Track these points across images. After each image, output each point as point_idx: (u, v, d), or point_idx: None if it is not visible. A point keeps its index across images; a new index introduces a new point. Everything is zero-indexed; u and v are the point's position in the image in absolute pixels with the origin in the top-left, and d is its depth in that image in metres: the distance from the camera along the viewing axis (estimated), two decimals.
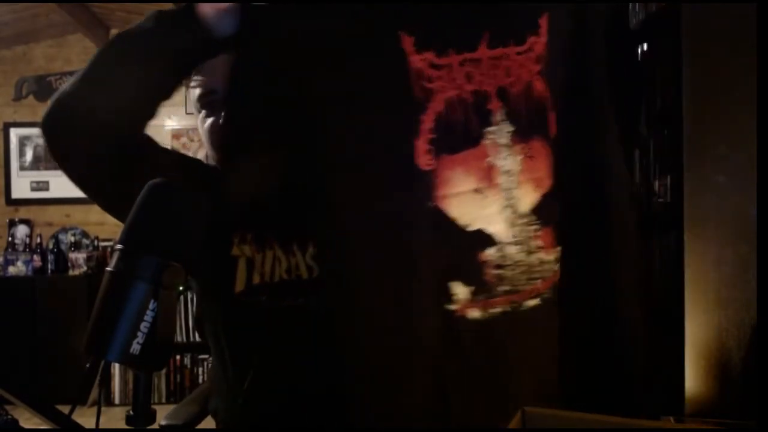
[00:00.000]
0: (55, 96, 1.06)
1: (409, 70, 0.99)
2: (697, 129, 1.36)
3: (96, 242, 4.78)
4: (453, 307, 1.01)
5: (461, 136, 1.01)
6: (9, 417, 0.93)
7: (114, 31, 4.60)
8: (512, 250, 1.03)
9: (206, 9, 1.02)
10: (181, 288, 0.77)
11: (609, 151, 1.13)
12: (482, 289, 1.02)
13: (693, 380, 1.30)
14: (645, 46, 1.82)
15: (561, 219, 1.09)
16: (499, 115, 1.02)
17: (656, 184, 1.75)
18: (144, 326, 0.72)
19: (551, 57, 1.06)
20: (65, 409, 0.76)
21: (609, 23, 1.14)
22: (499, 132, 1.02)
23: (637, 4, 1.90)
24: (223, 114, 1.16)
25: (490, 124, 1.02)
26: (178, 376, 4.53)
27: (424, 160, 1.00)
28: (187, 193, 0.79)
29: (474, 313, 1.02)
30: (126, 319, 0.71)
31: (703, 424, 1.23)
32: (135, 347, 0.71)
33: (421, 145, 1.00)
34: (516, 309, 1.04)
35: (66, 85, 1.06)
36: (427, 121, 1.00)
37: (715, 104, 1.33)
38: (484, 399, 1.04)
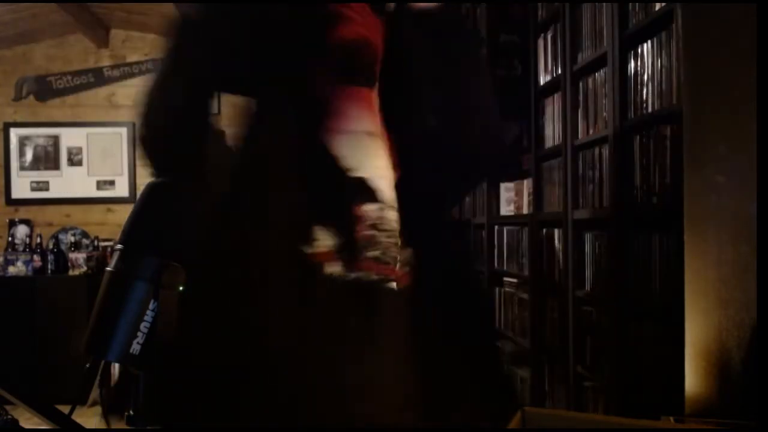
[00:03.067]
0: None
1: None
2: (697, 129, 1.36)
3: (96, 242, 4.77)
4: (309, 250, 0.88)
5: (363, 71, 0.94)
6: (9, 417, 0.92)
7: (114, 32, 4.60)
8: (392, 216, 0.93)
9: None
10: (181, 288, 0.77)
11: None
12: (348, 245, 0.89)
13: (693, 380, 1.30)
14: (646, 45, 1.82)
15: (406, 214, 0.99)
16: None
17: (656, 184, 1.75)
18: (144, 326, 0.72)
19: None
20: (65, 409, 0.76)
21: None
22: None
23: (636, 4, 1.90)
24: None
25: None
26: None
27: (321, 82, 0.92)
28: (187, 193, 0.79)
29: (332, 268, 0.89)
30: (126, 319, 0.71)
31: (703, 424, 1.22)
32: (135, 347, 0.71)
33: (322, 69, 0.92)
34: (383, 281, 0.91)
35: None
36: (335, 39, 0.92)
37: (715, 104, 1.33)
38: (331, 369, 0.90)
